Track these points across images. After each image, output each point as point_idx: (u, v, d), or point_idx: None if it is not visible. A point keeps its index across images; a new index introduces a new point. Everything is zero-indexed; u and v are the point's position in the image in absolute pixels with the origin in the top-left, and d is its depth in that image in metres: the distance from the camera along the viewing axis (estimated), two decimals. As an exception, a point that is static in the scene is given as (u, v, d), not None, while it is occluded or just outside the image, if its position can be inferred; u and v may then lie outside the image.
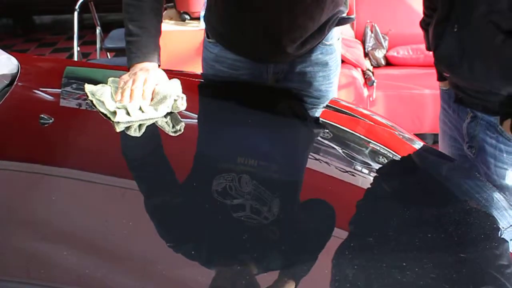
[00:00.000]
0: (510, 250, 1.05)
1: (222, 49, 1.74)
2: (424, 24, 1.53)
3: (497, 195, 1.26)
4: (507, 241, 1.06)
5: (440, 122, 1.62)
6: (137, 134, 1.30)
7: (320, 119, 1.54)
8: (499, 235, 1.08)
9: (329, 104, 1.65)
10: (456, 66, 1.34)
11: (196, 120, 1.50)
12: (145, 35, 1.56)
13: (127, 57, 1.54)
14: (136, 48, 1.54)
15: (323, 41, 1.72)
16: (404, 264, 0.92)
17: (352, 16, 1.86)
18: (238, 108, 1.51)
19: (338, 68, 1.85)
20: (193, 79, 1.75)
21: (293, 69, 1.73)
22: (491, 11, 1.19)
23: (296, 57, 1.71)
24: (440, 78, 1.53)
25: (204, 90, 1.71)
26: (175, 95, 1.39)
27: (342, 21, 1.73)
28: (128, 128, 1.31)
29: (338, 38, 1.81)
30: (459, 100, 1.43)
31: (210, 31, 1.77)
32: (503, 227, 1.11)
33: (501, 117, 1.32)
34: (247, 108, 1.52)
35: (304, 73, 1.74)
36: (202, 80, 1.81)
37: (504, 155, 1.34)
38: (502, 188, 1.37)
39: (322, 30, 1.66)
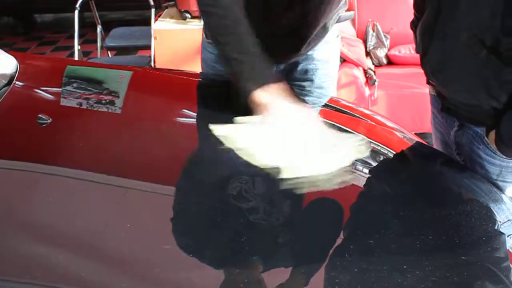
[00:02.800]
0: (508, 245, 1.05)
1: None
2: (413, 26, 1.52)
3: (495, 190, 1.26)
4: (505, 237, 1.06)
5: (432, 127, 1.60)
6: (141, 135, 1.29)
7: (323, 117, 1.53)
8: (498, 233, 1.07)
9: (330, 104, 1.65)
10: (441, 75, 1.33)
11: (200, 122, 1.48)
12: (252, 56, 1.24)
13: (239, 89, 1.21)
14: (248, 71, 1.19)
15: (324, 38, 1.71)
16: (404, 266, 0.91)
17: (351, 12, 1.86)
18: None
19: (337, 65, 1.85)
20: (195, 79, 1.75)
21: (295, 67, 1.73)
22: (475, 26, 1.18)
23: (299, 56, 1.70)
24: (429, 82, 1.52)
25: (207, 90, 1.70)
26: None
27: (342, 18, 1.72)
28: (132, 129, 1.30)
29: (338, 35, 1.81)
30: (445, 109, 1.41)
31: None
32: (500, 221, 1.11)
33: (487, 129, 1.29)
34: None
35: (306, 70, 1.73)
36: (203, 80, 1.80)
37: (492, 166, 1.31)
38: None
39: (326, 28, 1.66)
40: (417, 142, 1.50)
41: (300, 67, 1.72)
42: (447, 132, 1.44)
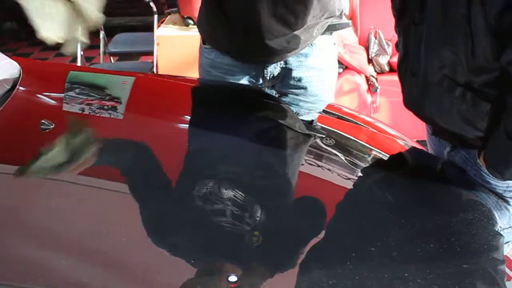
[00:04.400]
0: (505, 252, 1.05)
1: (218, 54, 1.75)
2: (397, 48, 1.52)
3: (497, 199, 1.25)
4: (503, 239, 1.06)
5: (427, 144, 1.60)
6: (143, 141, 1.30)
7: (319, 124, 1.53)
8: (496, 235, 1.07)
9: (331, 111, 1.65)
10: (419, 111, 1.32)
11: (202, 127, 1.49)
12: None
13: None
14: None
15: (318, 45, 1.72)
16: (406, 274, 0.91)
17: (346, 21, 1.86)
18: (232, 114, 1.51)
19: (334, 73, 1.86)
20: (197, 85, 1.75)
21: (289, 74, 1.74)
22: (443, 66, 1.17)
23: (285, 56, 1.70)
24: None
25: (209, 96, 1.70)
26: None
27: (334, 27, 1.73)
28: (134, 135, 1.30)
29: (334, 43, 1.81)
30: (436, 133, 1.40)
31: (202, 34, 1.80)
32: (501, 226, 1.11)
33: (479, 150, 1.27)
34: (241, 114, 1.52)
35: (300, 78, 1.74)
36: (205, 86, 1.80)
37: (486, 185, 1.30)
38: None
39: (310, 32, 1.66)
40: (418, 149, 1.50)
41: (294, 74, 1.73)
42: (441, 152, 1.43)
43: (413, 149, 1.50)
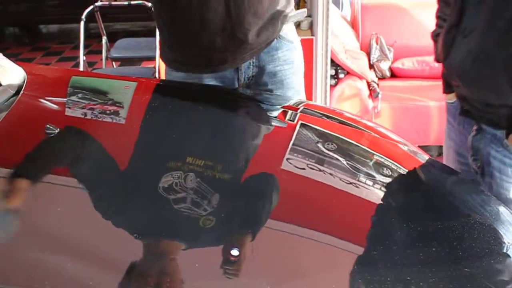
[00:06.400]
0: None
1: None
2: (434, 35, 1.53)
3: (503, 209, 1.25)
4: (510, 257, 1.06)
5: (445, 137, 1.60)
6: (145, 145, 1.32)
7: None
8: (503, 250, 1.07)
9: (333, 116, 1.65)
10: (466, 74, 1.33)
11: (205, 132, 1.49)
12: None
13: None
14: None
15: (286, 38, 1.75)
16: (408, 278, 0.91)
17: (302, 10, 1.89)
18: (232, 116, 1.54)
19: (303, 67, 1.90)
20: (199, 90, 1.76)
21: (262, 71, 1.75)
22: (503, 20, 1.19)
23: (256, 52, 1.71)
24: (447, 90, 1.52)
25: (212, 100, 1.71)
26: None
27: (292, 17, 1.77)
28: (136, 139, 1.31)
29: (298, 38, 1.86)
30: (465, 112, 1.41)
31: (168, 62, 1.80)
32: (508, 242, 1.10)
33: (507, 131, 1.29)
34: (216, 112, 1.56)
35: (275, 73, 1.76)
36: (206, 90, 1.81)
37: (510, 169, 1.32)
38: (507, 202, 1.35)
39: (275, 24, 1.69)
40: (421, 155, 1.50)
41: (268, 70, 1.75)
42: (463, 140, 1.44)
43: (416, 155, 1.50)
